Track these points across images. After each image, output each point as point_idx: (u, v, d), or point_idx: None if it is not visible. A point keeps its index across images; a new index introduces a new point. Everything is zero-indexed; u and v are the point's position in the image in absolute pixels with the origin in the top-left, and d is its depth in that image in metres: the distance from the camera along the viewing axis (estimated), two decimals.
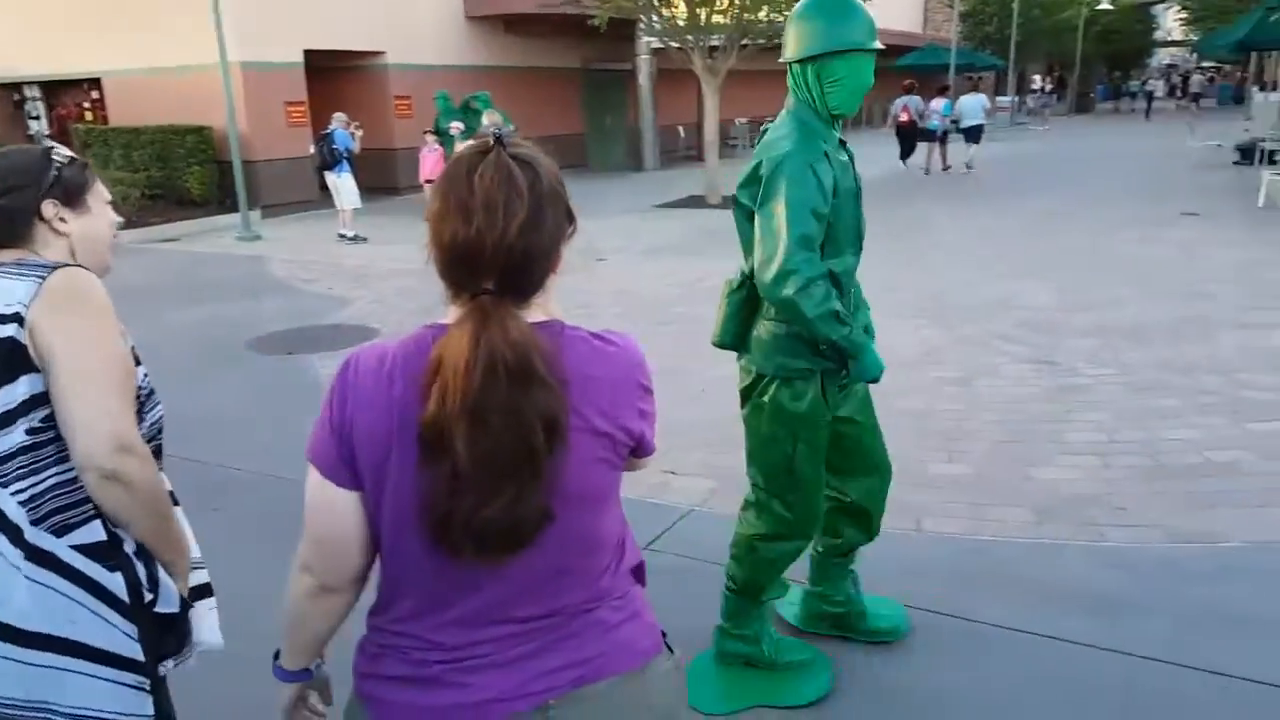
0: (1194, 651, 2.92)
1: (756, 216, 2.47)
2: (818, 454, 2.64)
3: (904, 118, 17.93)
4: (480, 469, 1.16)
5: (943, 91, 18.61)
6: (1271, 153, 13.93)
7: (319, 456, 1.27)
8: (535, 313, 1.27)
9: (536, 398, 1.16)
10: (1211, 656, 2.89)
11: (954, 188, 15.94)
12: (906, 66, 34.42)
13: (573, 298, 8.52)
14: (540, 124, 17.71)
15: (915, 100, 17.87)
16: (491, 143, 1.23)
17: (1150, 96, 37.18)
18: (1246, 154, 16.15)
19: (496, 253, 1.18)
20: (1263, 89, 24.64)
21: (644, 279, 9.30)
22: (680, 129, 23.83)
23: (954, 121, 18.39)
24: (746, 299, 2.62)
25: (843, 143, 2.61)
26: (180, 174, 14.57)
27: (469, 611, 1.27)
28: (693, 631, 3.13)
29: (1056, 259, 9.33)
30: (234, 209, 13.52)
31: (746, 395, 2.68)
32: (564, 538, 1.26)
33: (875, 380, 2.60)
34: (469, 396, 1.14)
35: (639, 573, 1.44)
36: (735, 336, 2.68)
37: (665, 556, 3.65)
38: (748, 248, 2.55)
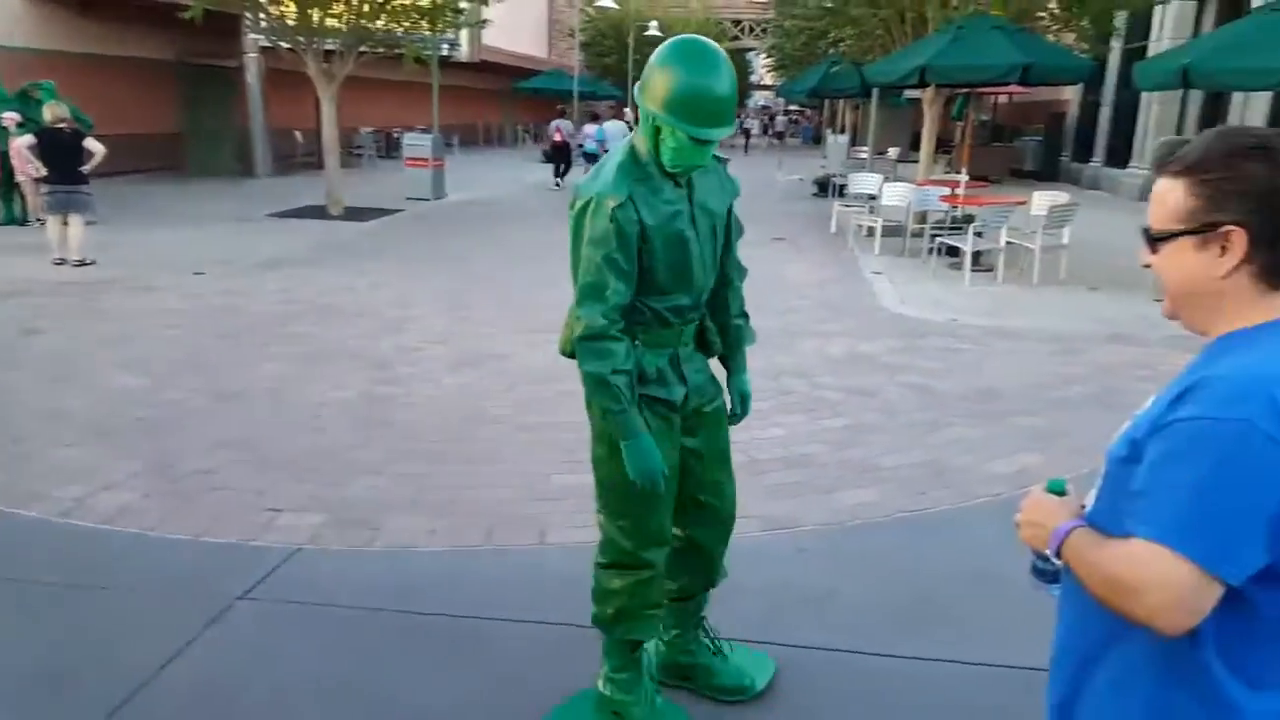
0: (778, 628, 3.24)
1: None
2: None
3: (557, 138, 20.70)
4: None
5: (594, 119, 21.19)
6: (841, 186, 16.16)
7: None
8: None
9: None
10: (792, 631, 3.22)
11: None
12: (531, 90, 35.54)
13: (161, 317, 7.70)
14: (125, 120, 15.93)
15: (566, 123, 21.12)
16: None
17: (748, 134, 41.38)
18: (823, 187, 18.60)
19: None
20: (834, 131, 28.64)
21: (254, 296, 8.62)
22: (298, 134, 22.55)
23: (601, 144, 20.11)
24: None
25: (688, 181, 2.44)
26: None
27: None
28: (320, 680, 2.89)
29: None
30: None
31: (588, 410, 2.58)
32: None
33: (639, 481, 2.41)
34: None
35: None
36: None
37: (267, 604, 3.37)
38: None
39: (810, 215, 15.72)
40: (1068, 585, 1.41)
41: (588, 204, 2.31)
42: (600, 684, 2.74)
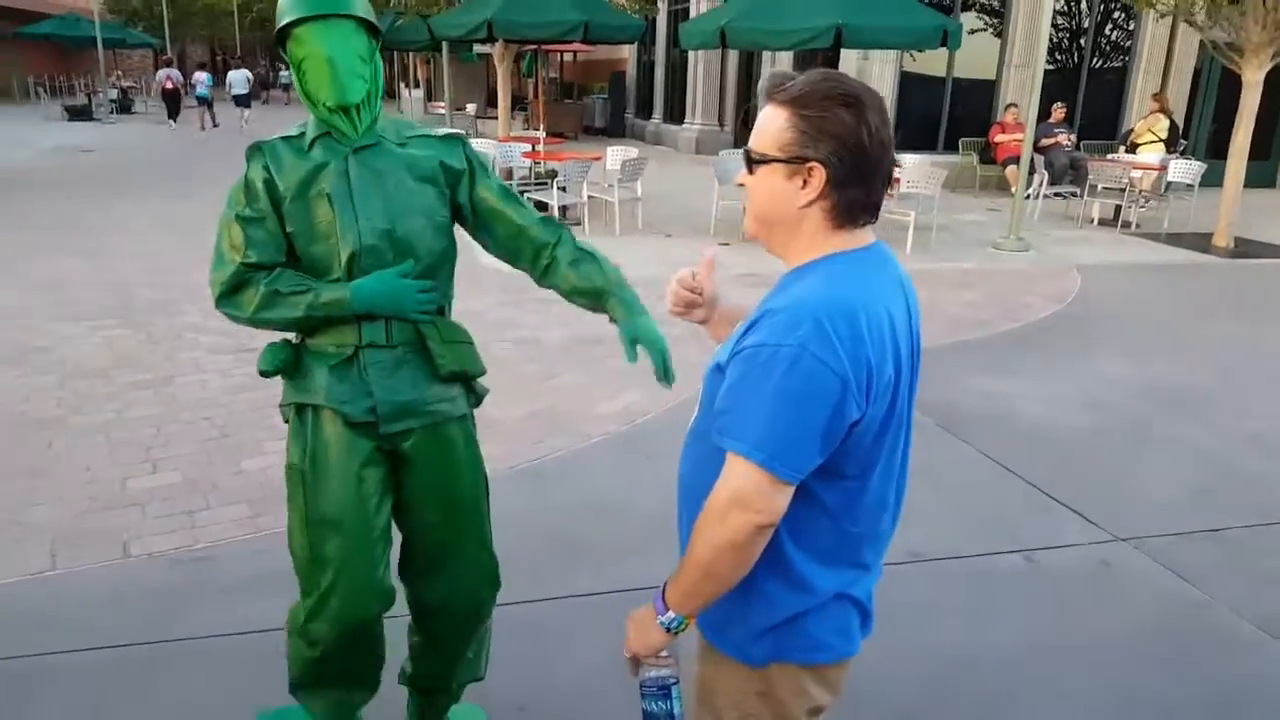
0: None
1: None
2: (304, 511, 2.04)
3: (169, 86, 23.92)
4: None
5: (202, 66, 25.61)
6: None
7: None
8: None
9: None
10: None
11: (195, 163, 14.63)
12: (42, 36, 30.47)
13: None
14: None
15: (175, 72, 24.55)
16: None
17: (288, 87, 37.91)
18: None
19: None
20: (408, 86, 27.96)
21: None
22: None
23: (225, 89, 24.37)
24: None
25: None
26: None
27: None
28: None
29: None
30: None
31: None
32: None
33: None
34: None
35: None
36: (273, 366, 2.12)
37: None
38: None
39: None
40: (687, 466, 1.53)
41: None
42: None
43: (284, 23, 1.96)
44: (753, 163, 1.39)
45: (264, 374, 2.11)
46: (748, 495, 1.30)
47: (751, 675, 1.48)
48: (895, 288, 1.42)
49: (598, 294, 2.15)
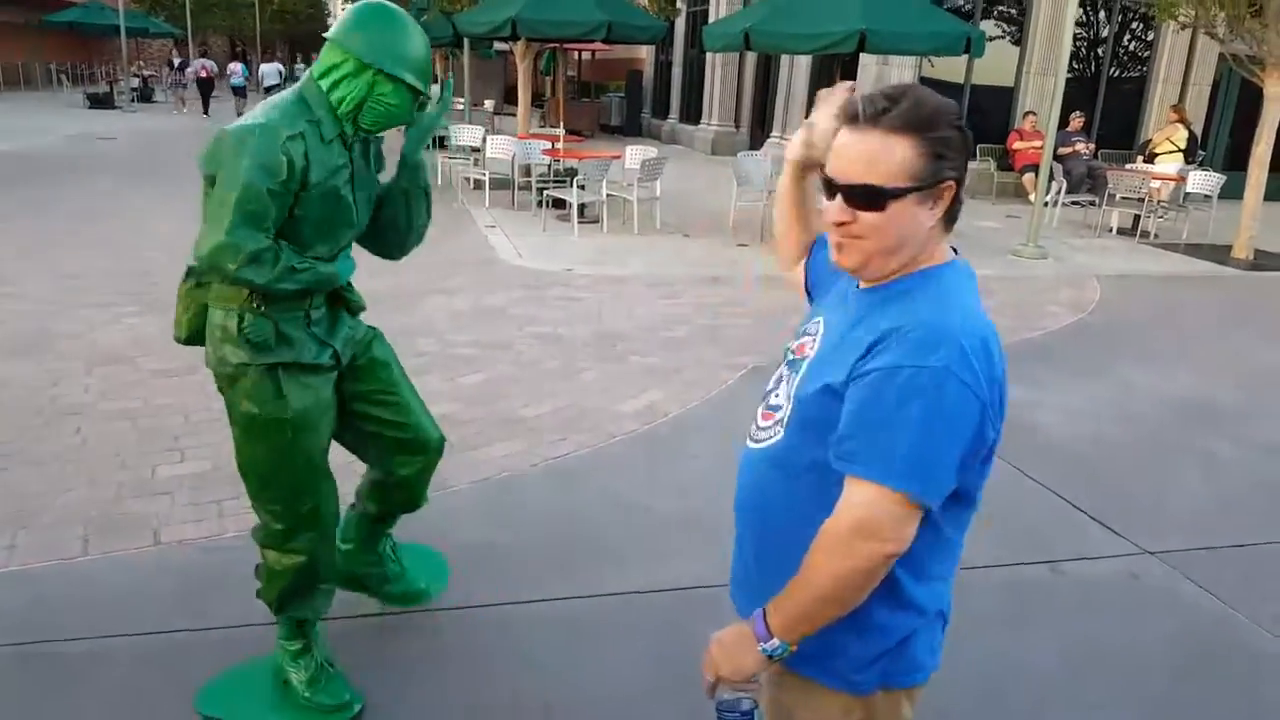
0: (447, 590, 3.14)
1: (206, 188, 2.20)
2: (289, 456, 2.37)
3: (204, 74, 25.70)
4: None
5: (238, 56, 27.29)
6: (441, 138, 15.82)
7: None
8: None
9: None
10: (451, 593, 3.15)
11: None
12: (65, 24, 30.65)
13: None
14: None
15: (210, 62, 26.51)
16: None
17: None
18: None
19: None
20: None
21: None
22: None
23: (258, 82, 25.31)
24: (198, 287, 2.36)
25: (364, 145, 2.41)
26: None
27: None
28: None
29: None
30: None
31: (222, 394, 2.40)
32: None
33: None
34: None
35: None
36: (195, 330, 2.40)
37: None
38: None
39: None
40: (751, 460, 1.49)
41: (247, 136, 2.13)
42: (276, 652, 2.65)
43: (380, 67, 2.21)
44: (883, 199, 1.30)
45: (261, 345, 2.29)
46: (879, 524, 1.26)
47: (852, 704, 1.44)
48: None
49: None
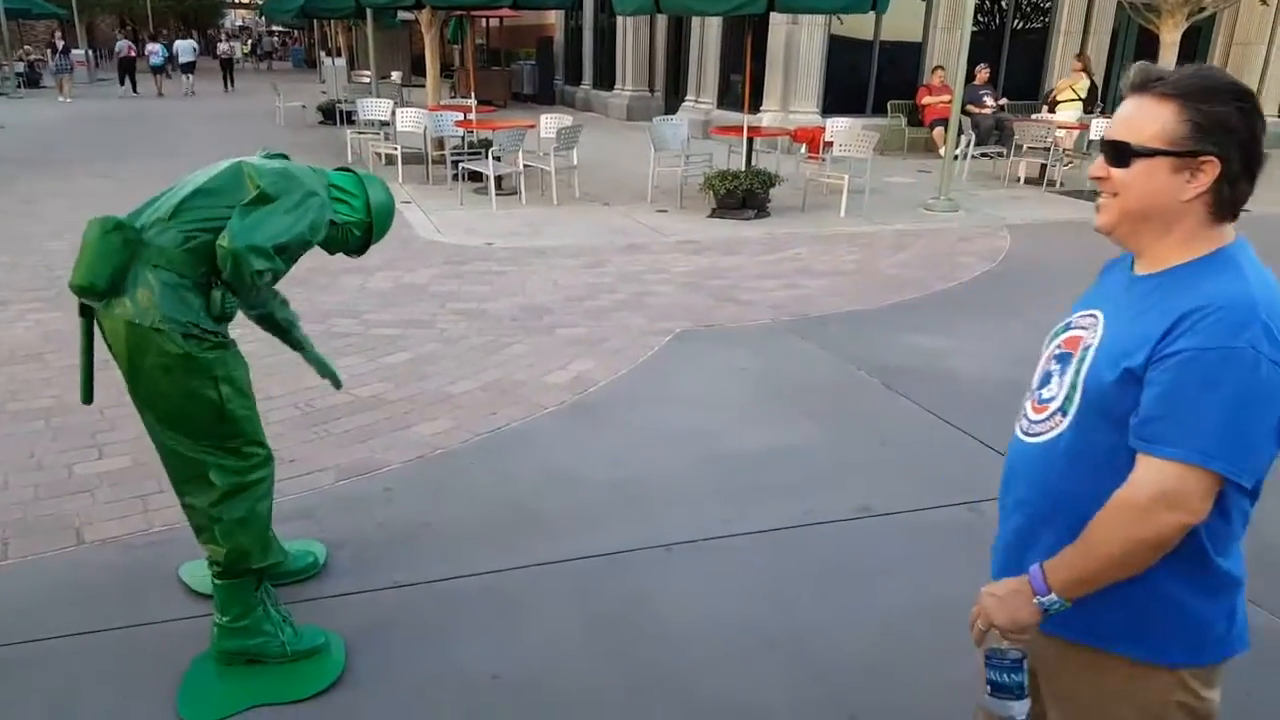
0: (377, 572, 3.15)
1: (262, 196, 2.39)
2: (243, 386, 2.58)
3: (130, 54, 26.49)
4: None
5: (154, 38, 28.82)
6: (349, 113, 15.49)
7: None
8: None
9: None
10: (391, 573, 3.16)
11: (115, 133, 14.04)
12: None
13: None
14: None
15: (127, 42, 27.53)
16: None
17: (229, 63, 35.29)
18: (329, 114, 17.67)
19: None
20: (329, 54, 27.16)
21: None
22: None
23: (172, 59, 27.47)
24: (128, 243, 2.37)
25: None
26: None
27: None
28: None
29: None
30: None
31: (136, 355, 2.42)
32: None
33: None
34: None
35: None
36: (110, 281, 2.38)
37: None
38: (185, 201, 2.42)
39: (324, 144, 14.90)
40: (1031, 454, 1.53)
41: (318, 194, 2.53)
42: (221, 642, 2.66)
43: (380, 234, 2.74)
44: (1130, 155, 1.36)
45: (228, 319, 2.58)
46: (1185, 497, 1.30)
47: (1170, 680, 1.47)
48: None
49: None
